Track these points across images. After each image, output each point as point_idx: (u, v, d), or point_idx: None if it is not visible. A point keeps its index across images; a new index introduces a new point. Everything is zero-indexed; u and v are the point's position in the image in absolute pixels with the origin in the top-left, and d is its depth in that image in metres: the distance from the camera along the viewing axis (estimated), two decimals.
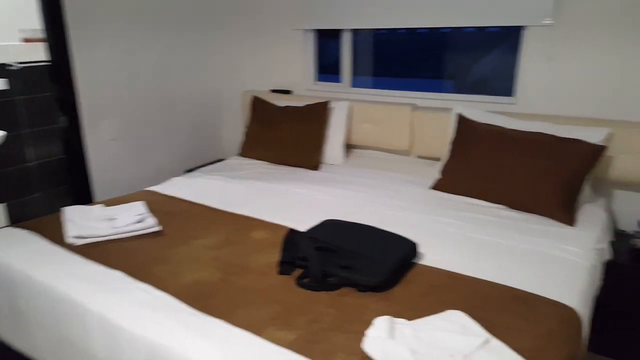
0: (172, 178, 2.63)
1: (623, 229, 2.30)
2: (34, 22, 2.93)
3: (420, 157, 2.81)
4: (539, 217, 1.97)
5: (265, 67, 3.45)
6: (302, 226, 1.90)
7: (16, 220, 3.05)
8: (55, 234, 1.87)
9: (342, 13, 2.93)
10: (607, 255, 1.93)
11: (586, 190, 2.11)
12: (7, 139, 2.91)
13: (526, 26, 2.37)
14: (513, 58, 2.54)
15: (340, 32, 3.09)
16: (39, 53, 2.93)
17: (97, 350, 1.42)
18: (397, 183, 2.42)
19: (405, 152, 2.88)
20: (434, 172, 2.49)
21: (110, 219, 1.97)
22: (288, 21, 3.21)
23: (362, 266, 1.53)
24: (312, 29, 3.18)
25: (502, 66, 2.63)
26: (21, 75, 2.95)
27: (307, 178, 2.58)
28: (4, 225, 2.85)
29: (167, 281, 1.55)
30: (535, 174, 2.01)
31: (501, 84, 2.63)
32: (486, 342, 1.17)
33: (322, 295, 1.47)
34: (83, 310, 1.44)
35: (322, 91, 3.24)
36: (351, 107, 2.92)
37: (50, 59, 2.77)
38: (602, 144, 2.03)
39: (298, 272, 1.60)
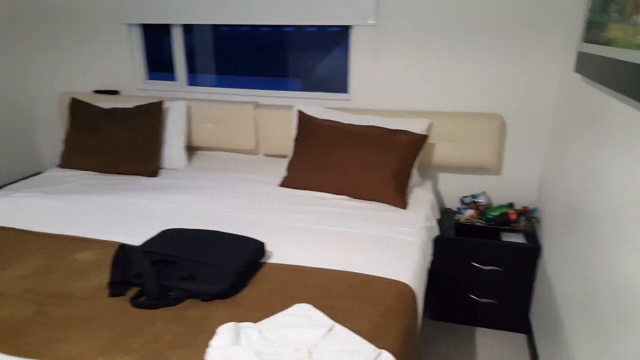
0: None
1: (448, 207, 2.60)
2: None
3: (267, 155, 2.80)
4: (377, 204, 2.10)
5: (86, 66, 3.07)
6: (138, 240, 1.71)
7: None
8: None
9: (171, 7, 2.75)
10: (436, 232, 2.14)
11: (415, 175, 2.32)
12: None
13: (352, 26, 2.51)
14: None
15: (170, 28, 2.91)
16: None
17: None
18: (245, 183, 2.36)
19: (252, 151, 2.84)
20: (281, 169, 2.50)
21: None
22: (109, 15, 2.90)
23: (205, 275, 1.43)
24: (136, 24, 2.93)
25: (341, 64, 2.75)
26: None
27: (144, 186, 2.36)
28: None
29: None
30: (371, 164, 2.14)
31: (341, 81, 2.75)
32: (330, 329, 1.18)
33: (162, 312, 1.34)
34: None
35: (154, 91, 3.01)
36: (189, 107, 2.78)
37: None
38: (424, 133, 2.24)
39: (133, 291, 1.44)
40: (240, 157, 2.80)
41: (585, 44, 1.63)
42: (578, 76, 1.81)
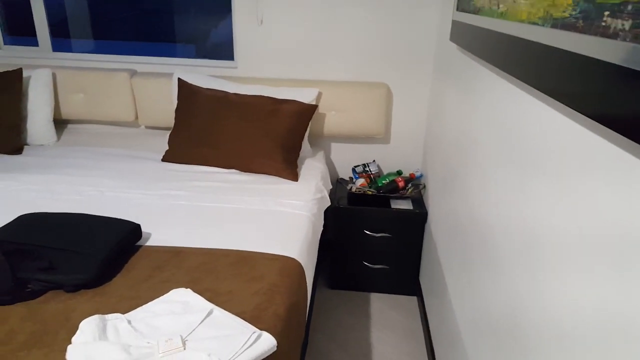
0: None
1: (342, 177, 2.63)
2: None
3: (148, 127, 2.61)
4: (267, 177, 2.05)
5: None
6: None
7: None
8: None
9: None
10: (327, 202, 2.14)
11: (306, 146, 2.30)
12: None
13: None
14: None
15: None
16: None
17: None
18: (122, 159, 2.17)
19: (131, 124, 2.62)
20: (164, 143, 2.34)
21: None
22: None
23: (67, 263, 1.29)
24: None
25: (228, 31, 2.60)
26: None
27: (6, 166, 2.08)
28: None
29: None
30: (258, 136, 2.08)
31: (227, 48, 2.60)
32: (208, 314, 1.13)
33: (17, 308, 1.19)
34: None
35: (12, 57, 2.63)
36: (54, 75, 2.47)
37: None
38: (313, 103, 2.22)
39: None
40: (118, 131, 2.58)
41: (458, 12, 1.68)
42: (453, 45, 1.89)
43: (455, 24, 1.70)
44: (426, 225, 2.28)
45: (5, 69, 2.39)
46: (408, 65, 2.40)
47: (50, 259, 1.31)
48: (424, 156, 2.49)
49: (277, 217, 1.72)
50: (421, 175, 2.46)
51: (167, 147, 2.25)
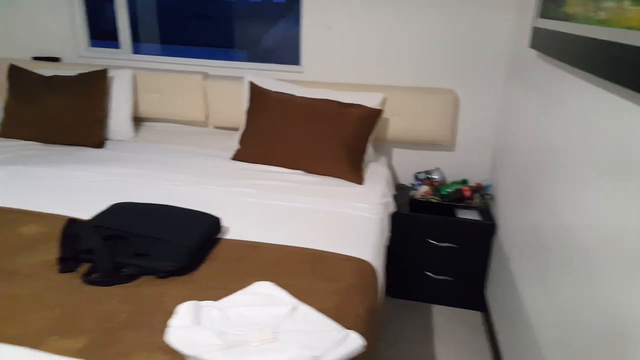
0: None
1: (403, 183, 2.63)
2: None
3: (217, 127, 2.71)
4: (332, 179, 2.10)
5: (23, 30, 2.82)
6: (85, 215, 1.64)
7: None
8: None
9: None
10: (392, 208, 2.16)
11: (370, 151, 2.33)
12: None
13: None
14: (298, 28, 2.61)
15: None
16: None
17: None
18: (195, 157, 2.28)
19: (201, 124, 2.74)
20: (233, 142, 2.43)
21: None
22: None
23: (159, 251, 1.38)
24: None
25: (290, 36, 2.68)
26: None
27: (90, 158, 2.24)
28: None
29: None
30: (324, 138, 2.13)
31: (290, 53, 2.68)
32: (294, 309, 1.17)
33: (115, 290, 1.29)
34: None
35: (97, 58, 2.82)
36: (135, 76, 2.62)
37: None
38: (378, 108, 2.25)
39: (85, 268, 1.37)
40: (189, 129, 2.71)
41: (541, 19, 1.65)
42: (533, 52, 1.85)
43: (538, 30, 1.68)
44: (495, 238, 2.22)
45: (91, 69, 2.57)
46: (477, 71, 2.38)
47: (143, 245, 1.40)
48: (493, 166, 2.46)
49: (346, 219, 1.75)
50: (489, 186, 2.41)
51: (235, 147, 2.34)
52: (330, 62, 2.52)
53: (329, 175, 2.11)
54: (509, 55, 2.31)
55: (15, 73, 2.54)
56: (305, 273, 1.38)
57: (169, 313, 1.17)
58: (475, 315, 2.33)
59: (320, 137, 2.13)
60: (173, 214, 1.58)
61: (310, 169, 2.13)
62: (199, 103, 2.61)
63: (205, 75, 2.63)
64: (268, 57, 2.76)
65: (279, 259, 1.45)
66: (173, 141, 2.49)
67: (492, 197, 2.37)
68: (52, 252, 1.44)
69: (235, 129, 2.64)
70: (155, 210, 1.58)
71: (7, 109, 2.51)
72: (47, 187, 1.90)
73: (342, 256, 1.49)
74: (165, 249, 1.39)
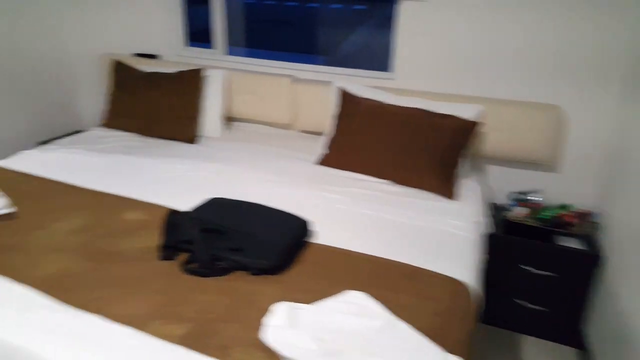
0: (22, 151, 2.24)
1: (497, 202, 2.47)
2: None
3: (302, 131, 2.74)
4: (421, 192, 2.03)
5: (128, 27, 3.02)
6: (181, 205, 1.72)
7: None
8: None
9: None
10: (487, 228, 2.02)
11: (463, 165, 2.23)
12: None
13: (401, 0, 2.40)
14: (383, 34, 2.55)
15: None
16: None
17: None
18: (282, 158, 2.32)
19: (286, 126, 2.78)
20: (317, 147, 2.44)
21: None
22: None
23: (253, 248, 1.41)
24: None
25: (370, 42, 2.66)
26: None
27: (184, 152, 2.35)
28: None
29: (26, 272, 1.31)
30: (415, 149, 2.08)
31: (371, 59, 2.65)
32: (390, 324, 1.14)
33: (211, 281, 1.33)
34: None
35: (193, 57, 2.96)
36: (227, 77, 2.73)
37: None
38: (475, 120, 2.15)
39: (182, 257, 1.43)
40: (275, 131, 2.75)
41: None
42: None
43: None
44: (601, 271, 2.03)
45: (187, 68, 2.70)
46: (587, 84, 2.17)
47: (238, 241, 1.43)
48: (603, 192, 2.22)
49: (440, 235, 1.68)
50: (597, 213, 2.20)
51: (320, 151, 2.35)
52: (424, 70, 2.46)
53: (419, 188, 2.05)
54: (627, 67, 2.09)
55: (120, 68, 2.73)
56: (399, 288, 1.34)
57: (262, 310, 1.18)
58: (569, 352, 2.15)
59: (411, 148, 2.08)
60: (265, 213, 1.61)
61: (399, 180, 2.08)
62: (287, 106, 2.66)
63: (294, 79, 2.67)
64: (346, 63, 2.76)
65: (371, 270, 1.42)
66: (260, 142, 2.54)
67: (600, 227, 2.16)
68: (153, 239, 1.51)
69: (320, 134, 2.66)
70: (249, 208, 1.62)
71: (112, 101, 2.69)
72: (145, 177, 2.02)
73: (439, 275, 1.42)
74: (258, 246, 1.42)
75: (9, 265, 1.34)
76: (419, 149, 2.07)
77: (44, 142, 2.67)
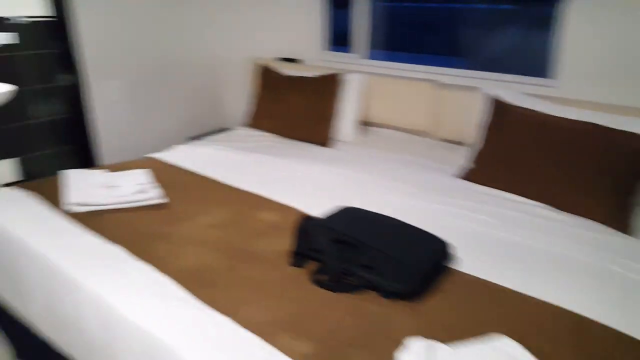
0: (175, 145, 2.45)
1: None
2: None
3: (442, 139, 2.54)
4: (588, 221, 1.70)
5: (272, 33, 3.16)
6: (313, 210, 1.68)
7: (27, 174, 3.15)
8: (54, 198, 1.75)
9: None
10: None
11: None
12: (12, 94, 2.83)
13: None
14: (536, 35, 2.23)
15: (352, 0, 2.82)
16: (39, 8, 2.73)
17: (91, 330, 1.25)
18: (419, 168, 2.16)
19: (425, 134, 2.61)
20: (459, 158, 2.24)
21: (112, 187, 1.81)
22: None
23: (387, 267, 1.29)
24: None
25: (524, 45, 2.34)
26: (28, 30, 2.84)
27: (318, 155, 2.34)
28: (15, 180, 3.05)
29: (168, 262, 1.37)
30: (582, 170, 1.76)
31: (526, 64, 2.34)
32: None
33: (341, 298, 1.24)
34: (76, 286, 1.29)
35: (333, 62, 2.97)
36: (366, 81, 2.66)
37: (55, 15, 2.51)
38: None
39: (312, 265, 1.38)
40: (412, 139, 2.60)
41: None
42: None
43: None
44: None
45: (327, 72, 2.70)
46: None
47: (371, 257, 1.32)
48: None
49: (618, 280, 1.35)
50: None
51: (462, 163, 2.14)
52: (595, 77, 2.10)
53: (585, 217, 1.72)
54: None
55: (266, 72, 2.85)
56: (561, 342, 1.09)
57: (395, 342, 1.06)
58: None
59: (577, 168, 1.77)
60: (401, 229, 1.48)
61: (560, 205, 1.78)
62: (426, 112, 2.50)
63: (435, 84, 2.49)
64: (493, 67, 2.48)
65: (526, 313, 1.19)
66: (396, 149, 2.42)
67: None
68: (284, 242, 1.48)
69: (461, 143, 2.43)
70: (384, 222, 1.51)
71: (257, 103, 2.81)
72: (281, 177, 2.03)
73: (618, 334, 1.13)
74: (393, 266, 1.29)
75: (155, 254, 1.41)
76: (588, 170, 1.75)
77: (194, 138, 2.89)
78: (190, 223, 1.61)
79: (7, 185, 3.01)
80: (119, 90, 2.88)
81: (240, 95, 3.44)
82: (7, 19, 2.85)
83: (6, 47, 2.90)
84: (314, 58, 3.03)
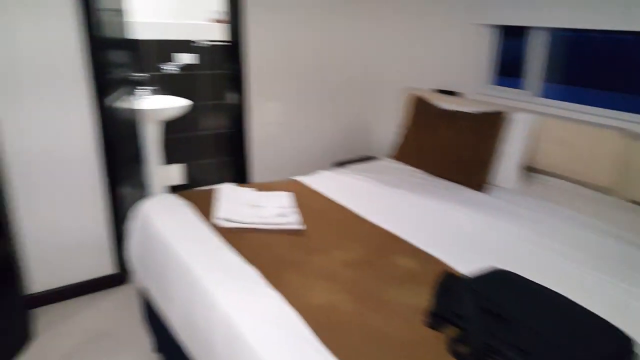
0: (320, 171, 2.47)
1: None
2: (213, 3, 3.08)
3: (631, 201, 2.09)
4: None
5: (433, 60, 3.01)
6: (459, 265, 1.49)
7: (191, 179, 3.58)
8: (206, 210, 1.84)
9: (534, 8, 2.39)
10: None
11: None
12: (189, 108, 3.27)
13: None
14: None
15: (527, 30, 2.54)
16: (221, 33, 3.13)
17: (219, 349, 1.26)
18: (600, 234, 1.78)
19: (607, 191, 2.17)
20: None
21: (257, 207, 1.86)
22: (462, 14, 2.74)
23: (546, 355, 1.05)
24: (493, 25, 2.66)
25: None
26: (208, 52, 3.22)
27: (471, 201, 2.10)
28: (182, 184, 3.49)
29: (299, 295, 1.33)
30: None
31: None
32: None
33: None
34: (212, 303, 1.32)
35: (497, 97, 2.70)
36: (537, 122, 2.34)
37: (230, 39, 2.80)
38: None
39: (450, 330, 1.20)
40: (590, 194, 2.16)
41: None
42: None
43: None
44: None
45: (490, 108, 2.46)
46: None
47: (528, 339, 1.10)
48: None
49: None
50: None
51: None
52: None
53: None
54: None
55: (419, 104, 2.71)
56: None
57: None
58: None
59: None
60: (568, 310, 1.20)
61: None
62: (611, 165, 2.10)
63: (626, 133, 2.08)
64: None
65: None
66: (568, 205, 2.04)
67: None
68: (421, 296, 1.33)
69: None
70: (549, 297, 1.24)
71: (406, 135, 2.69)
72: (425, 220, 1.87)
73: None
74: (555, 355, 1.05)
75: (287, 283, 1.38)
76: None
77: (339, 164, 2.89)
78: (324, 256, 1.55)
79: (174, 187, 3.39)
80: (275, 112, 3.04)
81: (390, 124, 3.36)
82: (193, 42, 3.27)
83: (188, 66, 3.33)
84: (476, 92, 2.81)
